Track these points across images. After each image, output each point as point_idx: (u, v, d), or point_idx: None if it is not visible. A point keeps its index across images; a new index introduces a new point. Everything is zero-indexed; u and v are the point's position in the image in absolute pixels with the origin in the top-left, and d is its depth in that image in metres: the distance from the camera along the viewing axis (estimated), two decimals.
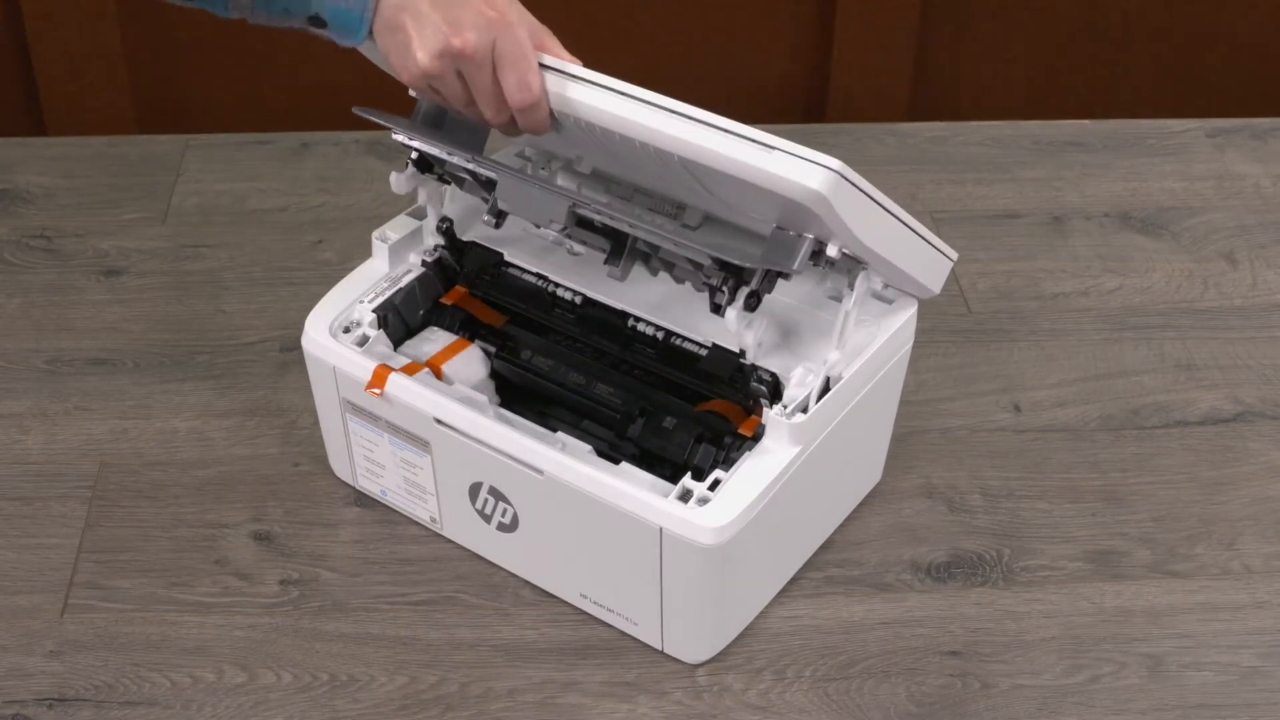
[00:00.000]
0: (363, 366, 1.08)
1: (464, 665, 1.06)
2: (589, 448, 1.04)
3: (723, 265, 0.98)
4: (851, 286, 1.02)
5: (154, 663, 1.06)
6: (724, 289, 0.99)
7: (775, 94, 1.99)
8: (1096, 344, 1.35)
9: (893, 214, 0.99)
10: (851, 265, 1.02)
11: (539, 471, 1.02)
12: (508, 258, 1.15)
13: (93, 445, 1.22)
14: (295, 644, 1.07)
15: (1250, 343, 1.35)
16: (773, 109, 1.99)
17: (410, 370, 1.09)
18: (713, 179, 0.97)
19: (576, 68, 0.98)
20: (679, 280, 1.05)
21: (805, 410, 1.01)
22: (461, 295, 1.17)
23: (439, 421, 1.05)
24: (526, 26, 0.97)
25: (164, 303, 1.37)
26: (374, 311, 1.12)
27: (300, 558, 1.13)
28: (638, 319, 1.10)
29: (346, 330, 1.11)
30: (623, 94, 0.95)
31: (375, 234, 1.15)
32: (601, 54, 1.80)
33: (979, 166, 1.58)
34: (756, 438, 1.03)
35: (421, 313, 1.16)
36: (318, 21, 1.00)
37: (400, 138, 1.08)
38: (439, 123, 1.11)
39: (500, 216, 1.09)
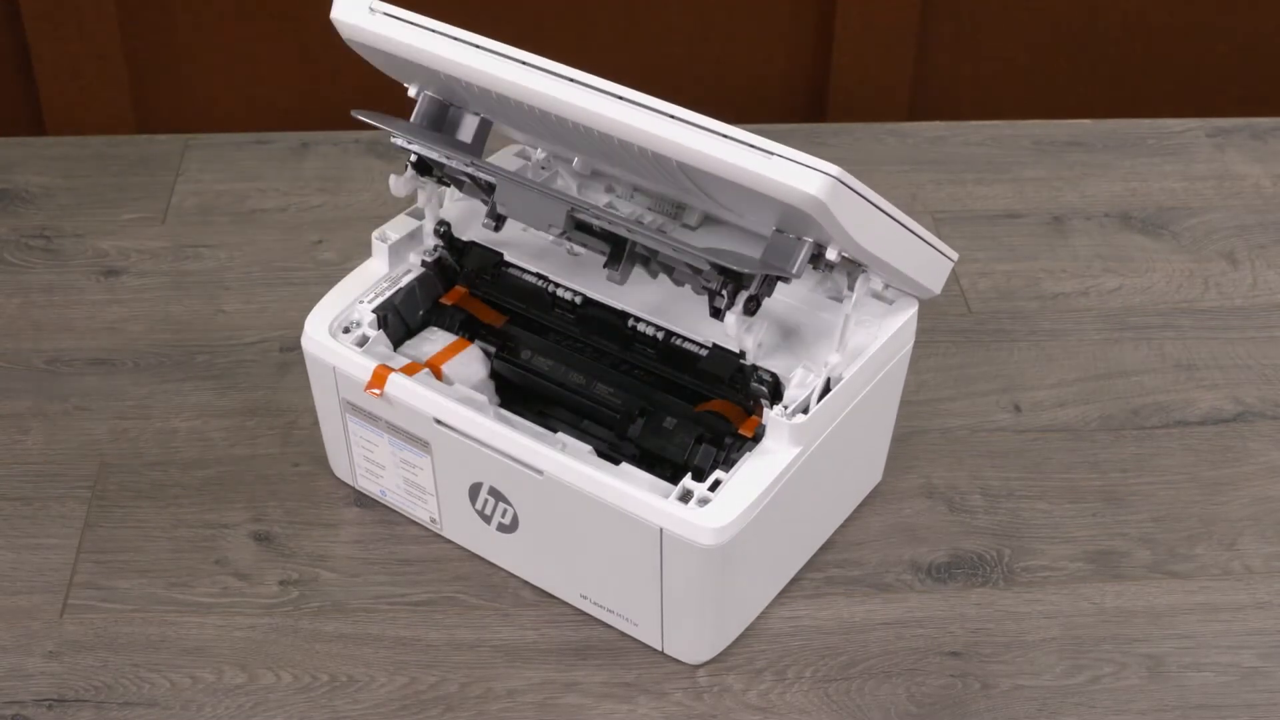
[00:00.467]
0: (363, 366, 1.08)
1: (464, 666, 1.06)
2: (589, 448, 1.04)
3: (721, 270, 0.98)
4: (851, 288, 1.03)
5: (154, 663, 1.06)
6: (723, 293, 0.99)
7: (775, 94, 1.99)
8: (1096, 344, 1.35)
9: (892, 217, 0.99)
10: (851, 267, 1.02)
11: (539, 472, 1.02)
12: (508, 258, 1.15)
13: (93, 445, 1.22)
14: (295, 644, 1.07)
15: (1250, 343, 1.35)
16: (773, 109, 1.98)
17: (410, 370, 1.09)
18: (711, 183, 0.97)
19: (576, 71, 0.97)
20: (678, 283, 1.05)
21: (806, 411, 1.01)
22: (461, 295, 1.17)
23: (439, 421, 1.05)
24: None
25: (164, 303, 1.37)
26: (374, 311, 1.12)
27: (300, 558, 1.13)
28: (638, 319, 1.10)
29: (346, 330, 1.11)
30: (621, 99, 0.95)
31: (375, 234, 1.15)
32: (601, 54, 1.80)
33: (979, 166, 1.58)
34: (757, 438, 1.03)
35: (421, 313, 1.16)
36: None
37: (399, 141, 1.08)
38: (438, 126, 1.11)
39: (499, 220, 1.09)
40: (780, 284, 1.01)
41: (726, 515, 0.97)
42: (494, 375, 1.15)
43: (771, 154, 0.91)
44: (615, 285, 1.04)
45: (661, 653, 1.07)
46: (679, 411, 1.09)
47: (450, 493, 1.10)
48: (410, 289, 1.15)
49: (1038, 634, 1.09)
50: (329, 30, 1.07)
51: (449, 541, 1.14)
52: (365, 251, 1.16)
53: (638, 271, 1.05)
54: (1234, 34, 1.97)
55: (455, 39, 1.02)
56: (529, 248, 1.16)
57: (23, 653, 1.06)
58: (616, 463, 1.03)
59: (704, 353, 1.08)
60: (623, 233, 1.01)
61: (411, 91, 1.12)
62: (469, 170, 1.06)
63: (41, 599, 1.10)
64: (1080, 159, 1.59)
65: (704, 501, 0.98)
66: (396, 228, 1.16)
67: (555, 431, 1.06)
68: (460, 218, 1.17)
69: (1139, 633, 1.09)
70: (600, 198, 1.17)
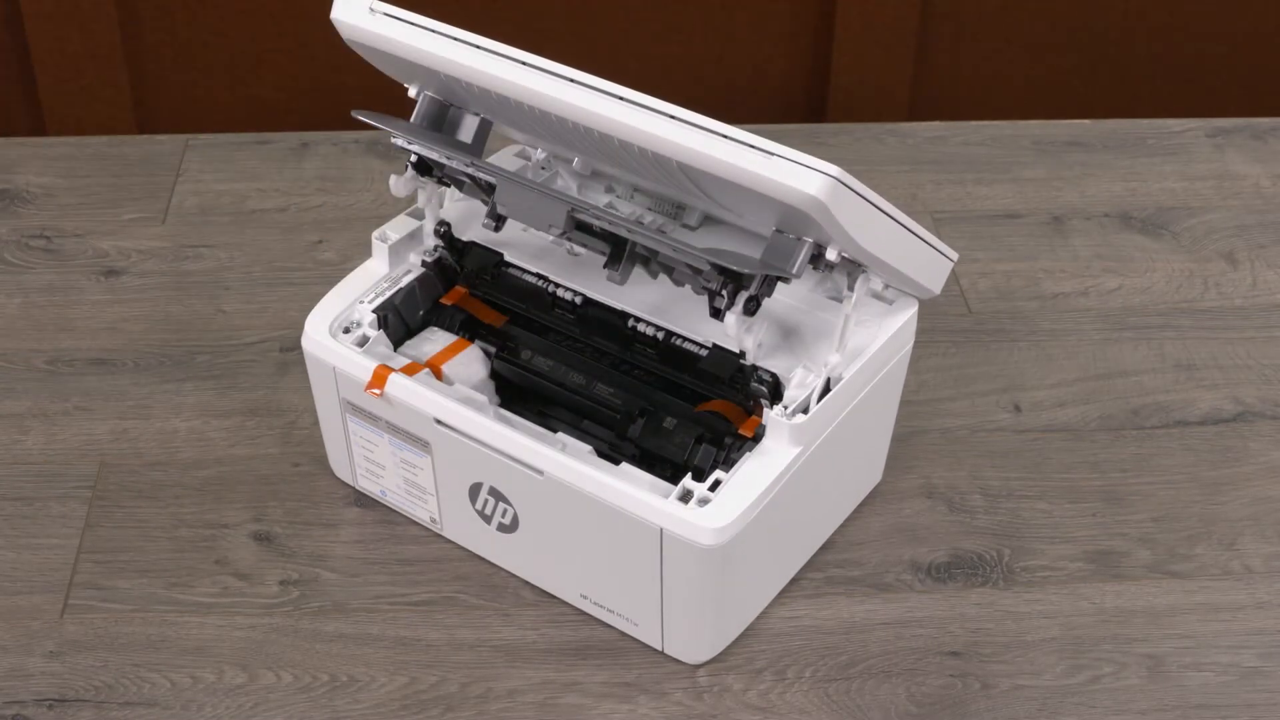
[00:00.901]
0: (363, 367, 1.08)
1: (464, 666, 1.06)
2: (589, 448, 1.04)
3: (722, 270, 0.98)
4: (851, 288, 1.03)
5: (154, 663, 1.06)
6: (723, 293, 0.99)
7: (775, 94, 1.99)
8: (1096, 344, 1.35)
9: (892, 217, 0.99)
10: (851, 267, 1.02)
11: (539, 472, 1.02)
12: (508, 258, 1.15)
13: (93, 445, 1.22)
14: (295, 644, 1.07)
15: (1250, 343, 1.35)
16: (773, 109, 1.98)
17: (410, 370, 1.09)
18: (711, 184, 0.97)
19: (576, 71, 0.98)
20: (678, 283, 1.05)
21: (806, 411, 1.01)
22: (461, 295, 1.17)
23: (439, 422, 1.05)
24: None
25: (164, 303, 1.37)
26: (374, 311, 1.12)
27: (300, 558, 1.13)
28: (638, 319, 1.10)
29: (346, 330, 1.11)
30: (621, 99, 0.95)
31: (375, 234, 1.15)
32: (601, 53, 1.81)
33: (979, 166, 1.58)
34: (757, 438, 1.03)
35: (421, 313, 1.16)
36: None
37: (399, 142, 1.08)
38: (438, 126, 1.11)
39: (500, 220, 1.09)
40: (780, 284, 1.01)
41: (726, 515, 0.97)
42: (494, 375, 1.15)
43: (771, 154, 0.91)
44: (615, 285, 1.04)
45: (661, 653, 1.07)
46: (679, 411, 1.09)
47: (450, 493, 1.10)
48: (410, 289, 1.15)
49: (1038, 634, 1.09)
50: (329, 30, 1.07)
51: (449, 541, 1.14)
52: (365, 251, 1.16)
53: (638, 271, 1.05)
54: (1234, 34, 1.97)
55: (455, 39, 1.02)
56: (529, 248, 1.16)
57: (23, 653, 1.06)
58: (616, 463, 1.03)
59: (704, 353, 1.08)
60: (623, 233, 1.01)
61: (411, 91, 1.12)
62: (469, 170, 1.06)
63: (42, 599, 1.10)
64: (1080, 159, 1.59)
65: (704, 501, 0.98)
66: (396, 228, 1.16)
67: (555, 431, 1.06)
68: (460, 218, 1.17)
69: (1139, 633, 1.09)
70: (600, 198, 1.17)
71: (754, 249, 1.02)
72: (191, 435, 1.23)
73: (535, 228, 1.03)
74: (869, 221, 0.96)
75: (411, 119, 1.11)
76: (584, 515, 1.02)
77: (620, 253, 1.03)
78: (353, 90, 1.60)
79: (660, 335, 1.09)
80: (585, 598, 1.08)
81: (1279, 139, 1.62)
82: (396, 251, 1.15)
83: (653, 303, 1.11)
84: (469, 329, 1.16)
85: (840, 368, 1.04)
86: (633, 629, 1.07)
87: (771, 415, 1.01)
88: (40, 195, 1.50)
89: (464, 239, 1.17)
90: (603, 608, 1.07)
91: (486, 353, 1.15)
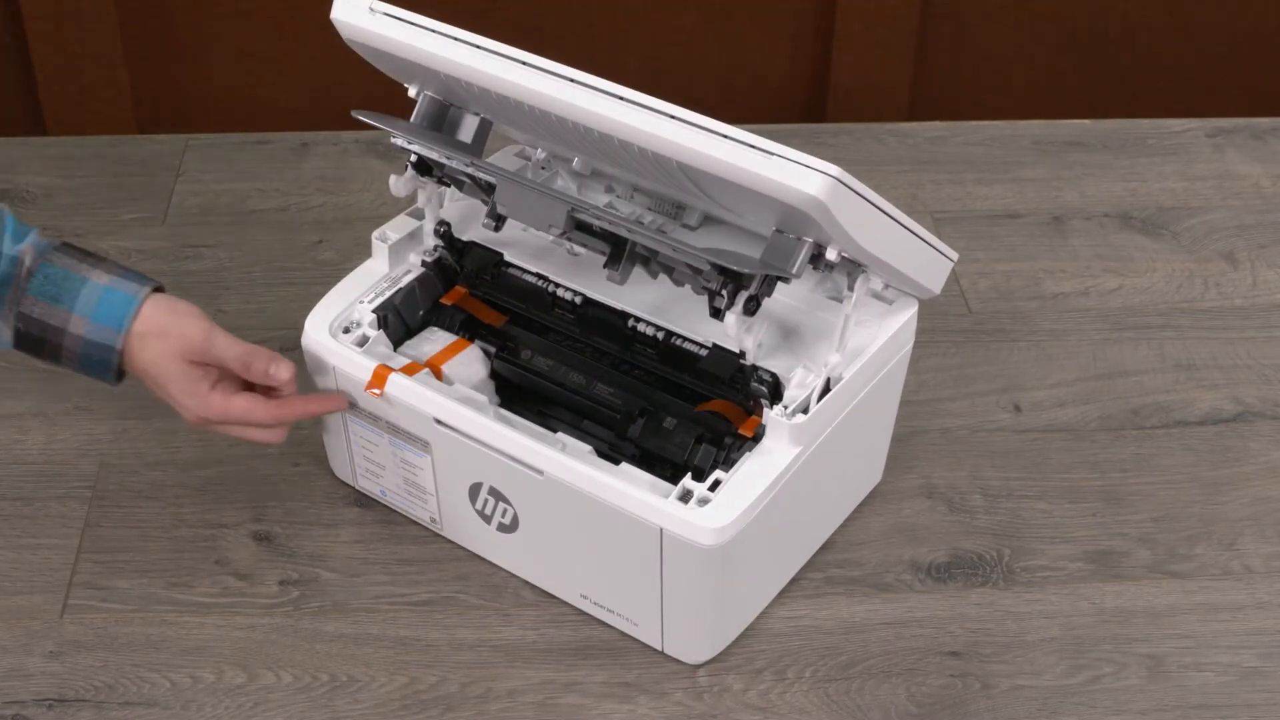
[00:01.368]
0: (363, 366, 1.08)
1: (464, 665, 1.06)
2: (589, 448, 1.04)
3: (722, 270, 0.98)
4: (851, 288, 1.03)
5: (154, 663, 1.06)
6: (723, 293, 0.99)
7: (775, 93, 1.99)
8: (1096, 344, 1.35)
9: (892, 217, 0.99)
10: (851, 267, 1.02)
11: (539, 472, 1.02)
12: (508, 258, 1.15)
13: (93, 445, 1.22)
14: (295, 644, 1.07)
15: (1250, 343, 1.35)
16: (772, 109, 1.98)
17: (410, 370, 1.09)
18: (711, 184, 0.97)
19: (576, 71, 0.98)
20: (678, 283, 1.05)
21: (806, 411, 1.01)
22: (461, 295, 1.17)
23: (439, 421, 1.05)
24: (215, 399, 1.06)
25: None
26: (374, 311, 1.12)
27: (300, 558, 1.13)
28: (638, 319, 1.10)
29: (346, 330, 1.11)
30: (621, 99, 0.95)
31: (375, 234, 1.15)
32: (601, 53, 1.81)
33: (979, 166, 1.58)
34: (757, 438, 1.03)
35: (421, 313, 1.16)
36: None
37: (399, 142, 1.08)
38: (438, 126, 1.11)
39: (500, 220, 1.09)
40: (780, 284, 1.01)
41: (726, 515, 0.97)
42: (494, 375, 1.15)
43: (771, 154, 0.91)
44: (615, 285, 1.04)
45: (661, 653, 1.07)
46: (679, 411, 1.09)
47: (450, 493, 1.10)
48: (410, 289, 1.15)
49: (1038, 634, 1.09)
50: (329, 30, 1.07)
51: (449, 541, 1.14)
52: (365, 251, 1.16)
53: (638, 271, 1.05)
54: (1234, 34, 1.97)
55: (455, 39, 1.02)
56: (529, 248, 1.16)
57: (23, 653, 1.06)
58: (616, 463, 1.03)
59: (704, 353, 1.08)
60: (623, 233, 1.01)
61: (411, 91, 1.12)
62: (469, 170, 1.06)
63: (41, 599, 1.10)
64: (1080, 159, 1.59)
65: (704, 501, 0.98)
66: (396, 228, 1.16)
67: (555, 431, 1.06)
68: (460, 218, 1.17)
69: (1139, 633, 1.09)
70: (600, 198, 1.17)
71: (754, 249, 1.02)
72: (191, 435, 1.23)
73: (535, 228, 1.03)
74: (869, 221, 0.96)
75: (411, 119, 1.11)
76: (584, 515, 1.02)
77: (620, 253, 1.03)
78: (353, 90, 1.60)
79: (660, 335, 1.09)
80: (585, 598, 1.08)
81: (1279, 139, 1.62)
82: (396, 251, 1.15)
83: (653, 303, 1.11)
84: (469, 329, 1.16)
85: (840, 368, 1.04)
86: (633, 629, 1.07)
87: (771, 415, 1.01)
88: (40, 195, 1.50)
89: (464, 239, 1.17)
90: (603, 608, 1.07)
91: (486, 353, 1.15)
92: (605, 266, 1.03)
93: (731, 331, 1.00)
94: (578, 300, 1.12)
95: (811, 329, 1.08)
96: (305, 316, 1.12)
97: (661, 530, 0.98)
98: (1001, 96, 2.00)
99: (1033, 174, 1.57)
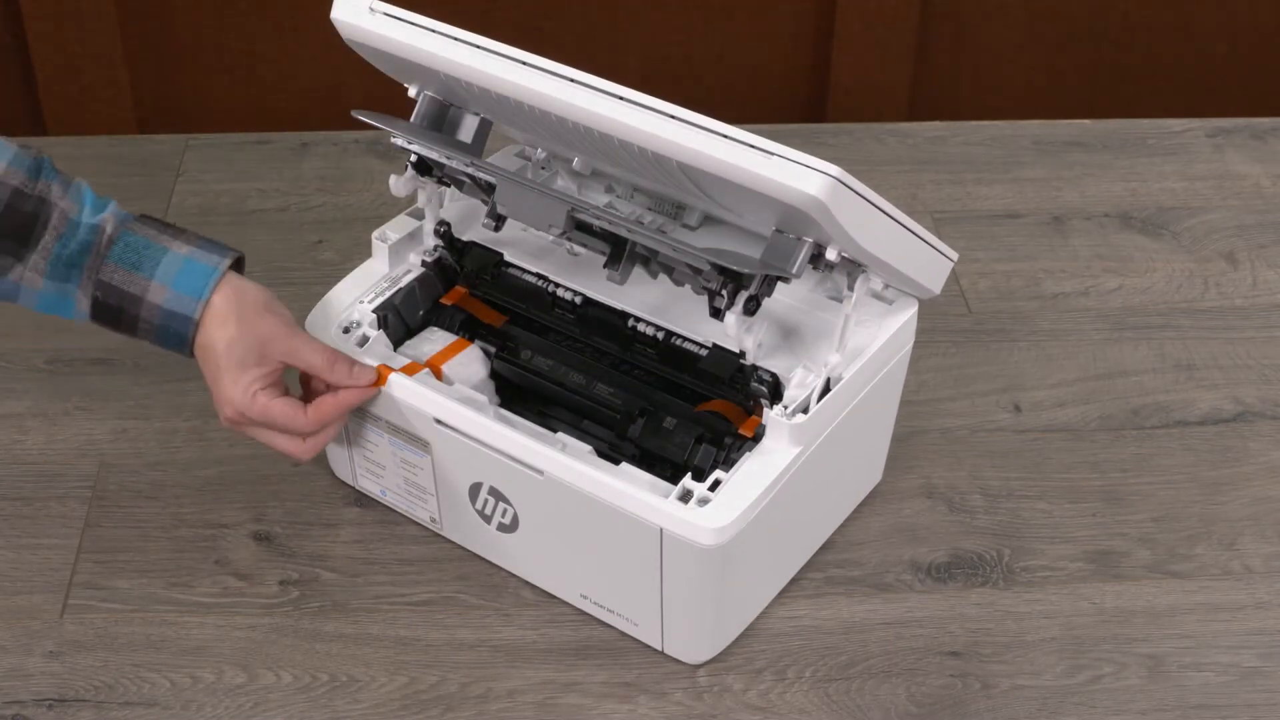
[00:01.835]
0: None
1: (464, 665, 1.06)
2: (589, 448, 1.04)
3: (722, 270, 0.98)
4: (851, 288, 1.03)
5: (154, 663, 1.06)
6: (723, 293, 0.99)
7: (775, 93, 1.99)
8: (1096, 344, 1.35)
9: (892, 217, 0.99)
10: (851, 267, 1.02)
11: (539, 472, 1.02)
12: (508, 258, 1.15)
13: (93, 445, 1.22)
14: (295, 644, 1.07)
15: (1250, 343, 1.35)
16: (773, 108, 1.99)
17: (410, 370, 1.09)
18: (711, 183, 0.97)
19: (576, 71, 0.98)
20: (678, 283, 1.05)
21: (806, 411, 1.01)
22: (461, 295, 1.17)
23: (439, 421, 1.05)
24: (269, 394, 1.05)
25: None
26: (374, 311, 1.12)
27: (300, 558, 1.13)
28: (638, 319, 1.10)
29: (346, 330, 1.11)
30: (621, 99, 0.95)
31: (375, 234, 1.15)
32: (601, 53, 1.81)
33: (979, 166, 1.58)
34: (757, 438, 1.03)
35: (421, 313, 1.16)
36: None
37: (399, 141, 1.08)
38: (438, 126, 1.11)
39: (500, 220, 1.09)
40: (780, 284, 1.01)
41: (726, 515, 0.97)
42: (494, 375, 1.15)
43: (771, 154, 0.91)
44: (615, 285, 1.04)
45: (661, 653, 1.07)
46: (679, 411, 1.09)
47: (450, 493, 1.10)
48: (410, 289, 1.15)
49: (1038, 634, 1.09)
50: (329, 30, 1.07)
51: (449, 541, 1.14)
52: (365, 251, 1.16)
53: (638, 271, 1.05)
54: (1234, 34, 1.97)
55: (455, 39, 1.02)
56: (529, 248, 1.16)
57: (23, 653, 1.06)
58: (616, 463, 1.03)
59: (704, 353, 1.08)
60: (623, 233, 1.01)
61: (411, 91, 1.12)
62: (469, 170, 1.06)
63: (41, 599, 1.10)
64: (1080, 159, 1.59)
65: (704, 501, 0.98)
66: (396, 228, 1.16)
67: (555, 431, 1.06)
68: (460, 218, 1.17)
69: (1139, 633, 1.09)
70: (600, 198, 1.17)
71: (754, 249, 1.02)
72: (191, 435, 1.23)
73: (535, 228, 1.03)
74: (869, 221, 0.96)
75: (411, 119, 1.11)
76: (584, 515, 1.02)
77: (620, 253, 1.03)
78: (353, 90, 1.60)
79: (660, 335, 1.09)
80: (585, 598, 1.08)
81: (1279, 139, 1.62)
82: (396, 251, 1.15)
83: (653, 303, 1.11)
84: (469, 329, 1.16)
85: (840, 368, 1.04)
86: (633, 629, 1.07)
87: (771, 415, 1.01)
88: None
89: (464, 239, 1.17)
90: (603, 608, 1.07)
91: (486, 353, 1.15)
92: (605, 266, 1.03)
93: (731, 331, 1.00)
94: (578, 300, 1.12)
95: (811, 329, 1.08)
96: (305, 317, 1.12)
97: (661, 530, 0.98)
98: (1001, 96, 2.00)
99: (1033, 174, 1.57)
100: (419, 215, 1.16)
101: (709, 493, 0.99)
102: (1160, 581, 1.13)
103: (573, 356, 1.13)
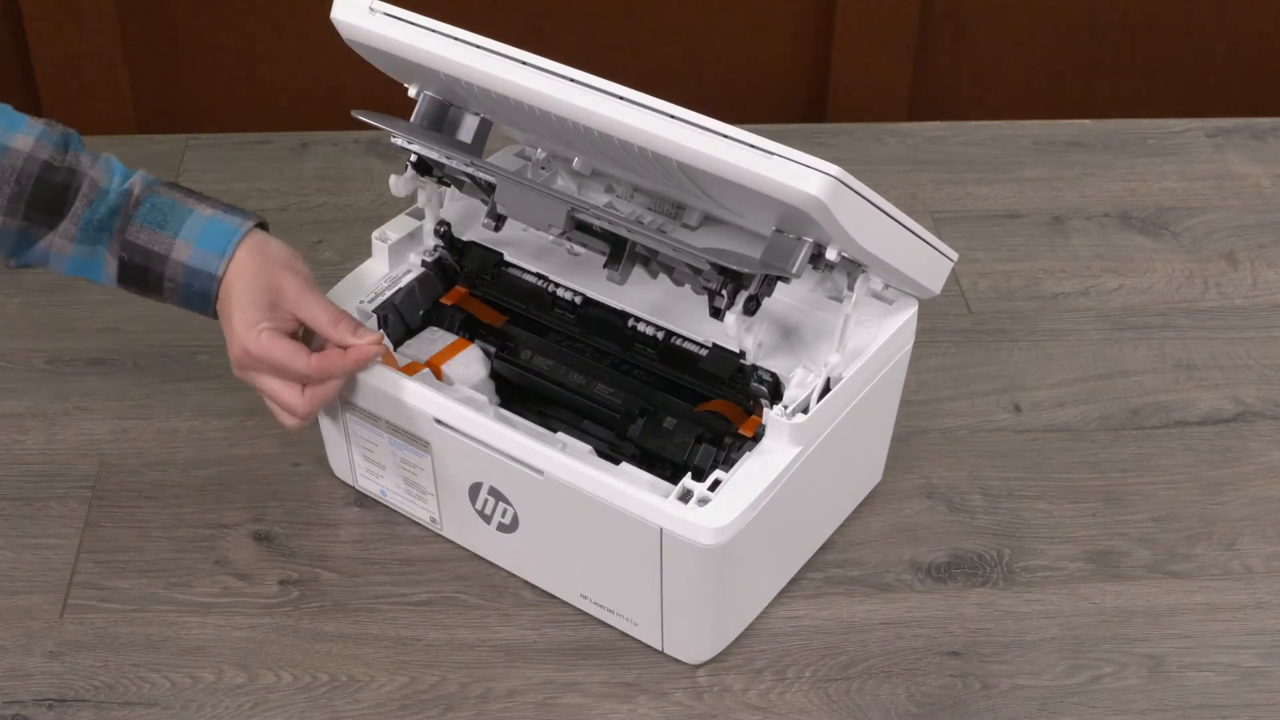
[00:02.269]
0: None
1: (464, 665, 1.06)
2: (589, 448, 1.04)
3: (721, 270, 0.98)
4: (851, 288, 1.03)
5: (154, 663, 1.06)
6: (723, 293, 0.99)
7: (775, 93, 1.99)
8: (1096, 344, 1.35)
9: (892, 217, 0.99)
10: (851, 267, 1.02)
11: (539, 472, 1.02)
12: (508, 258, 1.15)
13: (93, 445, 1.22)
14: (295, 644, 1.07)
15: (1250, 343, 1.35)
16: (772, 108, 1.99)
17: (410, 370, 1.09)
18: (711, 183, 0.97)
19: (576, 71, 0.98)
20: (678, 283, 1.05)
21: (806, 411, 1.01)
22: (461, 295, 1.17)
23: (439, 421, 1.05)
24: (274, 345, 1.04)
25: None
26: (374, 311, 1.12)
27: (300, 558, 1.13)
28: (638, 319, 1.10)
29: None
30: (621, 99, 0.95)
31: (375, 234, 1.15)
32: (601, 53, 1.81)
33: (979, 166, 1.58)
34: (757, 438, 1.03)
35: (421, 313, 1.16)
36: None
37: (399, 141, 1.08)
38: (438, 126, 1.11)
39: (500, 220, 1.09)
40: (780, 284, 1.01)
41: (726, 515, 0.97)
42: (494, 375, 1.15)
43: (771, 154, 0.91)
44: (615, 285, 1.04)
45: (661, 653, 1.07)
46: (679, 411, 1.09)
47: (450, 493, 1.10)
48: (410, 289, 1.15)
49: (1038, 634, 1.09)
50: (329, 30, 1.07)
51: (449, 541, 1.14)
52: (365, 251, 1.16)
53: (638, 271, 1.05)
54: (1234, 34, 1.97)
55: (455, 39, 1.02)
56: (529, 248, 1.16)
57: (23, 653, 1.06)
58: (616, 462, 1.03)
59: (704, 353, 1.08)
60: (623, 233, 1.01)
61: (411, 91, 1.12)
62: (469, 170, 1.06)
63: (41, 599, 1.10)
64: (1080, 159, 1.59)
65: (704, 501, 0.98)
66: (396, 228, 1.16)
67: (555, 431, 1.06)
68: (460, 218, 1.17)
69: (1139, 633, 1.09)
70: (600, 198, 1.17)
71: (754, 249, 1.02)
72: (191, 435, 1.23)
73: (535, 228, 1.03)
74: (869, 221, 0.96)
75: (411, 119, 1.11)
76: (584, 515, 1.02)
77: (620, 252, 1.03)
78: (353, 90, 1.60)
79: (660, 335, 1.09)
80: (585, 598, 1.08)
81: (1279, 139, 1.62)
82: (396, 251, 1.15)
83: (653, 303, 1.11)
84: (469, 329, 1.16)
85: (840, 368, 1.04)
86: (633, 629, 1.07)
87: (771, 415, 1.01)
88: None
89: (464, 239, 1.17)
90: (603, 608, 1.07)
91: (486, 353, 1.15)
92: (605, 266, 1.03)
93: (731, 331, 1.00)
94: (578, 300, 1.12)
95: (811, 329, 1.08)
96: None
97: (661, 530, 0.98)
98: (1001, 96, 2.00)
99: (1033, 174, 1.57)
100: (419, 215, 1.16)
101: (709, 493, 0.99)
102: (1160, 581, 1.13)
103: (573, 356, 1.13)
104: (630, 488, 0.99)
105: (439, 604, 1.10)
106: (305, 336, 1.07)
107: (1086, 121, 1.65)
